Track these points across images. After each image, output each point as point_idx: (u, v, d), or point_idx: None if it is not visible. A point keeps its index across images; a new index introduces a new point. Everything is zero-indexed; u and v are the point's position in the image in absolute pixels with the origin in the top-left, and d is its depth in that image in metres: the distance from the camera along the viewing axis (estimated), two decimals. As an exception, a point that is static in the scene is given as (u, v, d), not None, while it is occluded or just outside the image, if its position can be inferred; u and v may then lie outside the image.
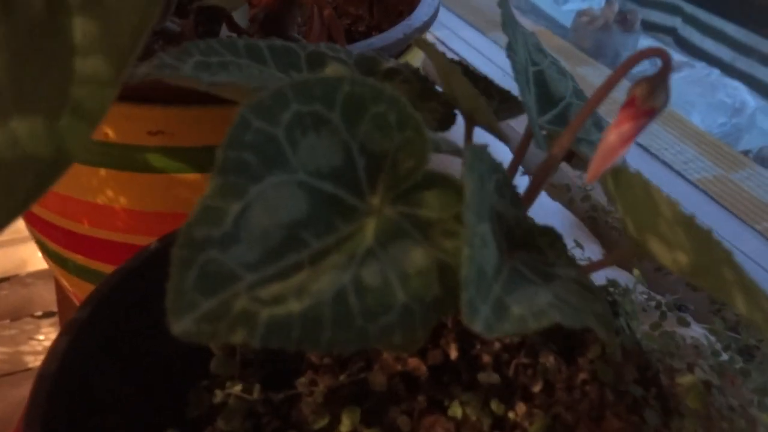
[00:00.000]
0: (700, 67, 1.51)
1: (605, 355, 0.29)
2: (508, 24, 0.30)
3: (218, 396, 0.30)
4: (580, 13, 1.57)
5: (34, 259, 0.81)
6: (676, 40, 1.90)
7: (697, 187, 0.83)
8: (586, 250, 0.51)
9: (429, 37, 0.91)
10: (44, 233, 0.50)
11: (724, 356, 0.41)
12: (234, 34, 0.43)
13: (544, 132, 0.31)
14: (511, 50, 0.28)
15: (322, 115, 0.21)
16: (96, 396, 0.30)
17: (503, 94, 0.32)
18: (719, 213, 0.75)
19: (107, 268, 0.47)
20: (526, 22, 1.46)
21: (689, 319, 0.46)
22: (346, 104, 0.21)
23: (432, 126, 0.29)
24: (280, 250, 0.20)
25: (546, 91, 0.34)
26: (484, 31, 1.23)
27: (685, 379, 0.29)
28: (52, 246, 0.50)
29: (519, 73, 0.28)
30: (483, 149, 0.24)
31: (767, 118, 1.67)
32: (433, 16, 0.47)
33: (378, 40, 0.41)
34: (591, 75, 1.33)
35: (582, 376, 0.29)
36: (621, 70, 0.25)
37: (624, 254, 0.28)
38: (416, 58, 0.48)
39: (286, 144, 0.20)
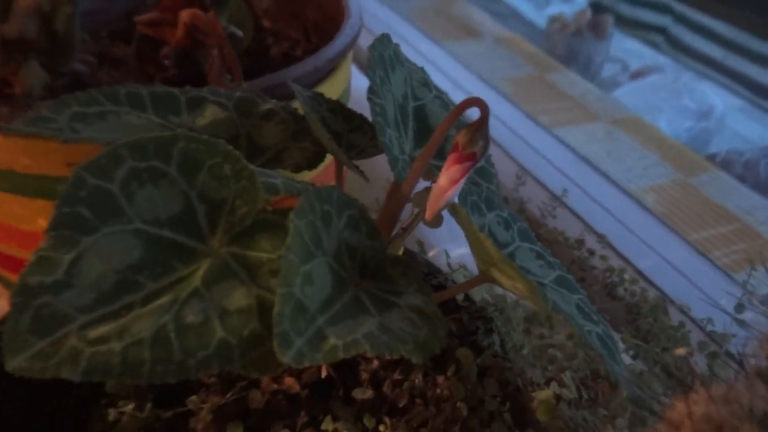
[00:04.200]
0: (670, 71, 1.53)
1: (461, 374, 0.32)
2: (375, 67, 0.32)
3: (111, 415, 0.32)
4: (553, 19, 1.59)
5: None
6: (667, 39, 1.92)
7: (638, 201, 0.85)
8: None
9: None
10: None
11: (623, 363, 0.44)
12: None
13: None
14: (372, 93, 0.31)
15: (160, 169, 0.24)
16: (5, 416, 0.33)
17: (375, 131, 0.34)
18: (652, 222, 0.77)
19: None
20: (501, 28, 1.48)
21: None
22: (182, 159, 0.24)
23: (300, 164, 0.32)
24: (115, 293, 0.22)
25: (425, 124, 0.36)
26: (443, 41, 1.25)
27: (540, 394, 0.31)
28: (-2, 268, 0.53)
29: (377, 115, 0.30)
30: (329, 191, 0.27)
31: (745, 119, 1.69)
32: (350, 45, 0.49)
33: (289, 71, 0.44)
34: (560, 82, 1.35)
35: (443, 392, 0.32)
36: (451, 118, 0.27)
37: (478, 281, 0.30)
38: (335, 86, 0.50)
39: (122, 197, 0.23)
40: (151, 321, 0.22)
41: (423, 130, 0.36)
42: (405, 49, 0.37)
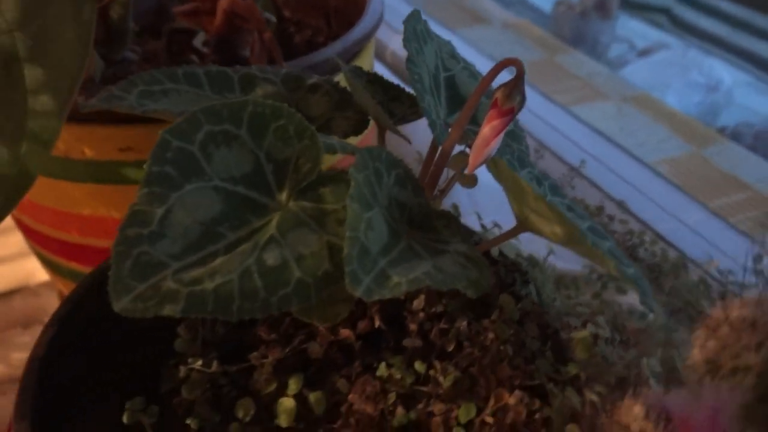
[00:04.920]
0: (676, 48, 1.54)
1: (504, 317, 0.34)
2: (410, 39, 0.35)
3: (182, 371, 0.35)
4: (558, 2, 1.61)
5: (43, 271, 0.87)
6: (671, 18, 1.93)
7: (653, 169, 0.87)
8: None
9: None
10: (41, 245, 0.56)
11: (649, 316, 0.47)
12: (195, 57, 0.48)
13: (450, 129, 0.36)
14: (410, 63, 0.33)
15: (232, 132, 0.26)
16: (79, 377, 0.36)
17: (412, 99, 0.37)
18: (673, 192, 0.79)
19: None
20: (508, 14, 1.50)
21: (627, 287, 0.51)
22: (251, 122, 0.27)
23: (346, 131, 0.34)
24: (200, 242, 0.25)
25: (456, 93, 0.39)
26: (454, 28, 1.28)
27: (578, 334, 0.34)
28: (49, 256, 0.56)
29: (416, 82, 0.33)
30: (379, 150, 0.30)
31: (754, 94, 1.69)
32: (375, 27, 0.52)
33: (316, 55, 0.46)
34: (568, 63, 1.37)
35: (489, 335, 0.34)
36: (488, 78, 0.30)
37: (516, 230, 0.33)
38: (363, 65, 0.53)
39: (202, 157, 0.25)
40: (237, 264, 0.24)
41: (454, 97, 0.39)
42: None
